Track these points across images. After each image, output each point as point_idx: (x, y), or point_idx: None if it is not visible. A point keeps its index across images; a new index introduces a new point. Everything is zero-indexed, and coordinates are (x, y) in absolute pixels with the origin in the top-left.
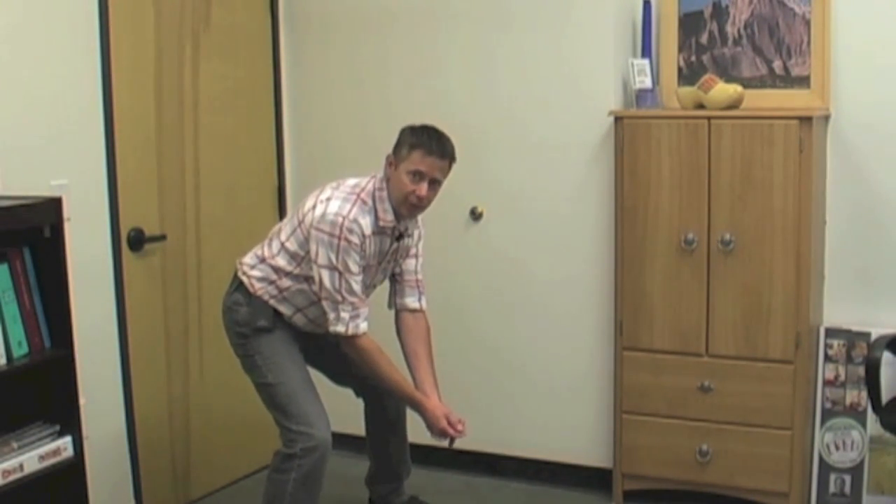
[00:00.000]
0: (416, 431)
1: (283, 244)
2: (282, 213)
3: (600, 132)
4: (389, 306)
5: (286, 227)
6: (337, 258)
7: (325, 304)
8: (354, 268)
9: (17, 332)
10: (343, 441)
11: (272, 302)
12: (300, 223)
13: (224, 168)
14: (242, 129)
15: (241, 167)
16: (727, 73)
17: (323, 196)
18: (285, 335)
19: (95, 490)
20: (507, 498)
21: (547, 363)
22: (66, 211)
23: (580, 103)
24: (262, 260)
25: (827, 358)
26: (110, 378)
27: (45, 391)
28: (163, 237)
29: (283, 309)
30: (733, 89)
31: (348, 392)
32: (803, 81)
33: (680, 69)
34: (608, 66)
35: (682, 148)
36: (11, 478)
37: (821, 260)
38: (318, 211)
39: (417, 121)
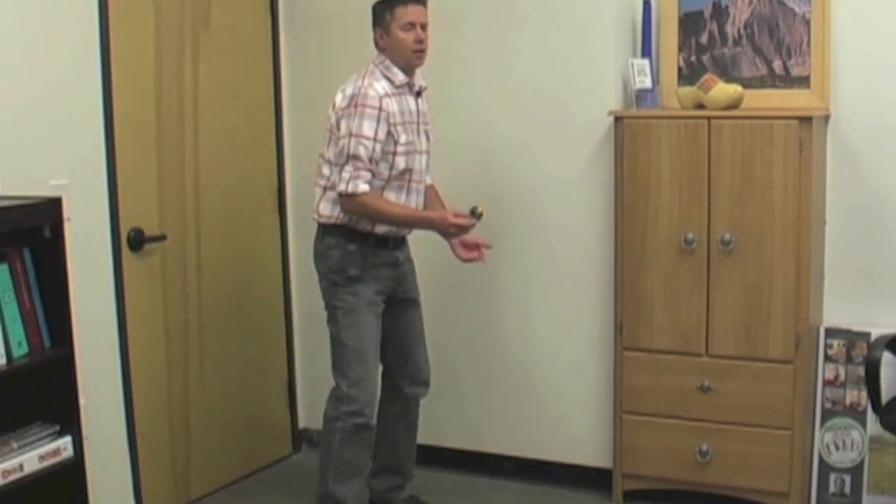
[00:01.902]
0: (419, 433)
1: (330, 162)
2: (282, 213)
3: (600, 132)
4: None
5: (326, 148)
6: (353, 123)
7: (334, 171)
8: (368, 131)
9: (17, 332)
10: None
11: (354, 219)
12: (331, 132)
13: (224, 168)
14: (242, 129)
15: (241, 167)
16: (727, 73)
17: (339, 94)
18: (372, 290)
19: (95, 490)
20: (507, 498)
21: (547, 363)
22: (66, 211)
23: (580, 103)
24: (325, 189)
25: (827, 358)
26: (110, 378)
27: (45, 391)
28: (163, 237)
29: (366, 223)
30: (733, 89)
31: None
32: (803, 81)
33: (680, 69)
34: (608, 66)
35: (682, 148)
36: (11, 478)
37: (821, 260)
38: (339, 99)
39: None
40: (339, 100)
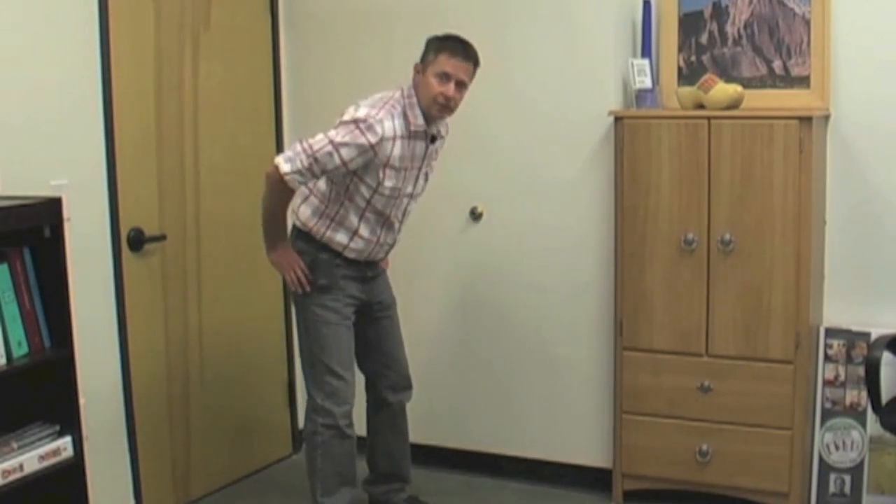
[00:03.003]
0: (416, 432)
1: None
2: None
3: (600, 132)
4: None
5: None
6: (341, 137)
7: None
8: (346, 155)
9: (17, 332)
10: None
11: (328, 233)
12: None
13: (224, 168)
14: (242, 129)
15: (241, 167)
16: (727, 73)
17: (352, 107)
18: (342, 303)
19: (95, 490)
20: (507, 498)
21: (547, 363)
22: (66, 211)
23: (580, 103)
24: (310, 192)
25: (827, 358)
26: (110, 378)
27: (45, 391)
28: (163, 237)
29: (341, 238)
30: (733, 89)
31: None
32: (803, 81)
33: (680, 69)
34: (608, 66)
35: (682, 148)
36: (11, 478)
37: (821, 260)
38: (351, 110)
39: None
40: (352, 110)
